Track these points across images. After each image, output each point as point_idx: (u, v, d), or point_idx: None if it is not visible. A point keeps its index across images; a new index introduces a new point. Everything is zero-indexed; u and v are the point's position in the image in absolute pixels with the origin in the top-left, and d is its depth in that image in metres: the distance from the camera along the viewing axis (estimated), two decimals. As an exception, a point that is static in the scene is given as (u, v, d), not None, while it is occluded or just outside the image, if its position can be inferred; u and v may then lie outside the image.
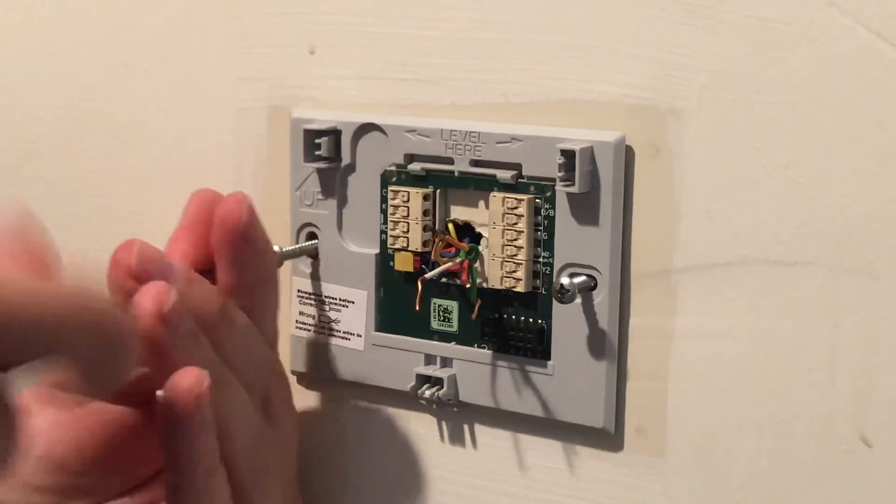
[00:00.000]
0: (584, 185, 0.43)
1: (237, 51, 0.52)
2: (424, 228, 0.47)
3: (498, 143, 0.45)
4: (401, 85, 0.48)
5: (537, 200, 0.45)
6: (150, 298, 0.40)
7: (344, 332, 0.50)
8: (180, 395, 0.40)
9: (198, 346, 0.42)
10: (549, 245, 0.45)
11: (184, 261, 0.44)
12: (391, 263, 0.48)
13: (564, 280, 0.43)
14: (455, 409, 0.48)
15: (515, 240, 0.45)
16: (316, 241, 0.50)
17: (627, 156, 0.44)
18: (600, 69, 0.44)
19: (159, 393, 0.40)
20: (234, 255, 0.44)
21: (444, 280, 0.47)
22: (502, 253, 0.45)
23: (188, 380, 0.40)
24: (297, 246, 0.50)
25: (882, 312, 0.41)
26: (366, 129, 0.48)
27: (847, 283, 0.41)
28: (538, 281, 0.45)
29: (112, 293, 0.41)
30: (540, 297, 0.45)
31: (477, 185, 0.46)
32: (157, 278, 0.41)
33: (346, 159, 0.49)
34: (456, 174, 0.46)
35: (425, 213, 0.47)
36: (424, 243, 0.47)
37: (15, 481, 0.39)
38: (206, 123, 0.54)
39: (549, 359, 0.45)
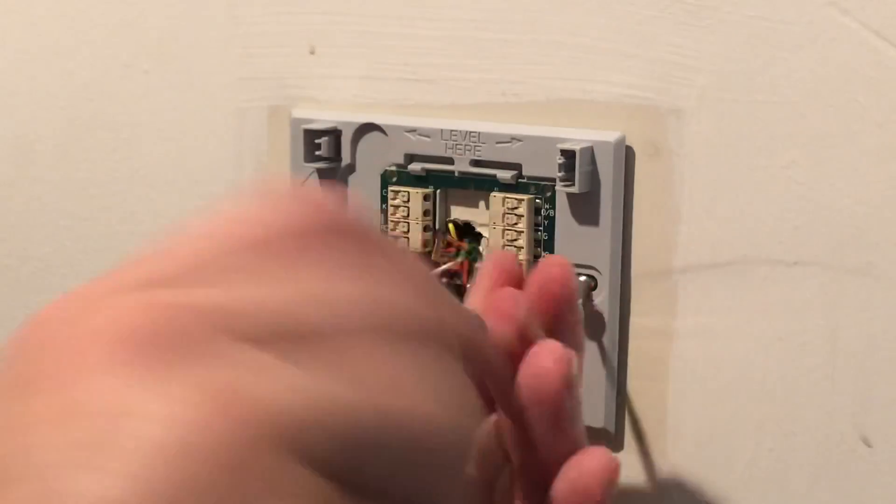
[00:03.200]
0: (585, 185, 0.43)
1: (237, 51, 0.52)
2: (425, 228, 0.47)
3: (498, 143, 0.45)
4: (401, 85, 0.48)
5: (537, 200, 0.45)
6: (554, 360, 0.35)
7: (344, 332, 0.50)
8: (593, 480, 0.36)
9: (581, 417, 0.37)
10: (549, 245, 0.45)
11: None
12: (391, 263, 0.48)
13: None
14: (455, 409, 0.48)
15: (515, 240, 0.45)
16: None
17: (627, 156, 0.44)
18: (600, 69, 0.44)
19: (569, 479, 0.36)
20: (559, 326, 0.39)
21: (444, 280, 0.47)
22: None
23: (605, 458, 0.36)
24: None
25: (882, 312, 0.40)
26: (366, 129, 0.48)
27: (847, 283, 0.41)
28: (538, 281, 0.45)
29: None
30: (540, 297, 0.45)
31: (477, 185, 0.46)
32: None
33: (346, 159, 0.49)
34: (456, 174, 0.46)
35: (425, 213, 0.47)
36: (425, 243, 0.47)
37: None
38: (206, 123, 0.54)
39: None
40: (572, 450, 0.36)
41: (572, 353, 0.36)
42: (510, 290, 0.37)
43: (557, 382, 0.35)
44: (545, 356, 0.35)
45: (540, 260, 0.44)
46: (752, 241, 0.42)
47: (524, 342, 0.36)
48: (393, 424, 0.23)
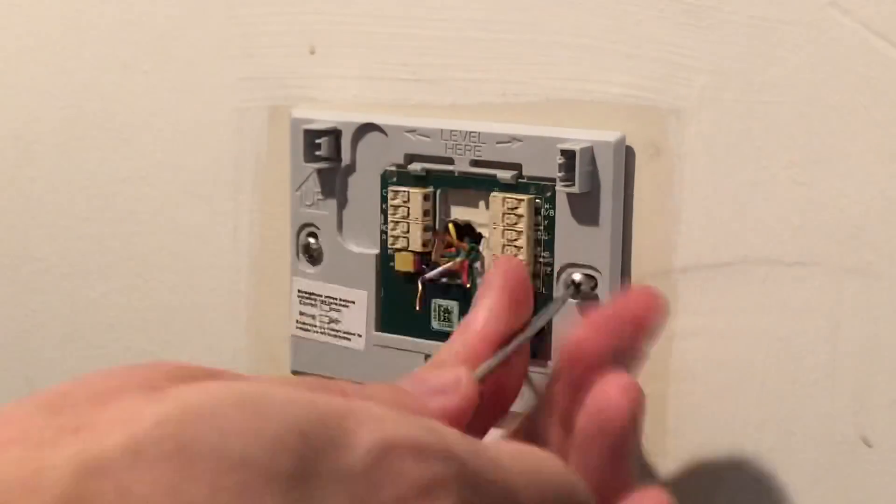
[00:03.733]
0: (585, 185, 0.43)
1: (237, 51, 0.52)
2: (425, 228, 0.47)
3: (498, 143, 0.45)
4: (401, 85, 0.48)
5: (537, 200, 0.45)
6: (622, 392, 0.35)
7: (344, 333, 0.50)
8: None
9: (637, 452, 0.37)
10: (549, 245, 0.45)
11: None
12: (391, 263, 0.48)
13: (576, 276, 0.44)
14: (455, 409, 0.48)
15: (516, 240, 0.45)
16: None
17: (627, 156, 0.44)
18: (600, 69, 0.44)
19: None
20: (630, 354, 0.39)
21: (444, 280, 0.47)
22: (503, 253, 0.45)
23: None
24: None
25: (882, 312, 0.41)
26: (366, 129, 0.48)
27: (847, 283, 0.41)
28: (538, 281, 0.45)
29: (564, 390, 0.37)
30: (540, 297, 0.45)
31: (477, 185, 0.46)
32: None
33: (346, 159, 0.49)
34: (456, 174, 0.46)
35: (425, 213, 0.47)
36: (425, 243, 0.47)
37: None
38: (206, 123, 0.54)
39: (549, 359, 0.45)
40: (624, 484, 0.36)
41: (640, 387, 0.35)
42: (603, 315, 0.37)
43: (624, 415, 0.34)
44: (614, 388, 0.35)
45: (632, 286, 0.43)
46: (752, 241, 0.42)
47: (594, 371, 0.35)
48: None
